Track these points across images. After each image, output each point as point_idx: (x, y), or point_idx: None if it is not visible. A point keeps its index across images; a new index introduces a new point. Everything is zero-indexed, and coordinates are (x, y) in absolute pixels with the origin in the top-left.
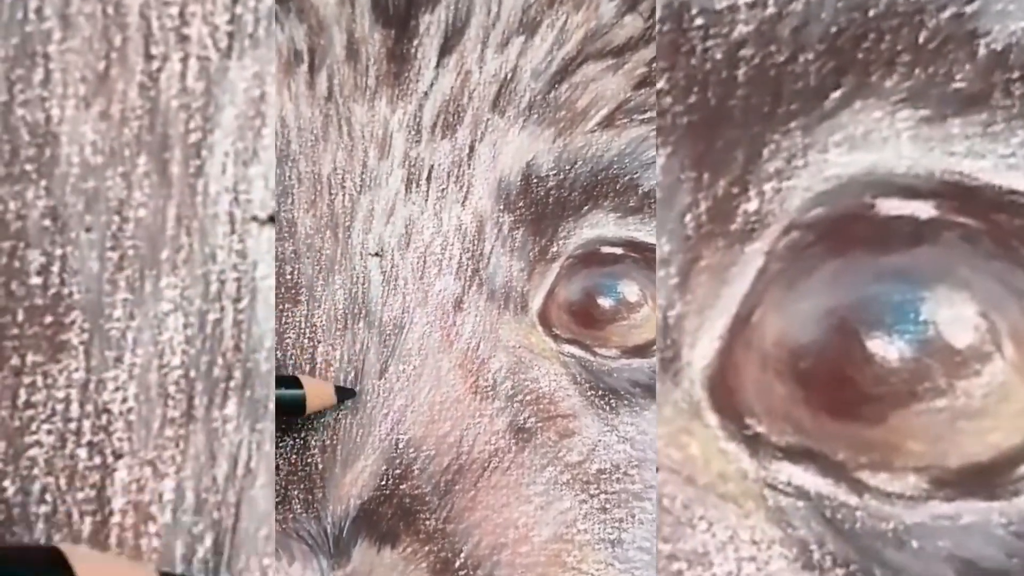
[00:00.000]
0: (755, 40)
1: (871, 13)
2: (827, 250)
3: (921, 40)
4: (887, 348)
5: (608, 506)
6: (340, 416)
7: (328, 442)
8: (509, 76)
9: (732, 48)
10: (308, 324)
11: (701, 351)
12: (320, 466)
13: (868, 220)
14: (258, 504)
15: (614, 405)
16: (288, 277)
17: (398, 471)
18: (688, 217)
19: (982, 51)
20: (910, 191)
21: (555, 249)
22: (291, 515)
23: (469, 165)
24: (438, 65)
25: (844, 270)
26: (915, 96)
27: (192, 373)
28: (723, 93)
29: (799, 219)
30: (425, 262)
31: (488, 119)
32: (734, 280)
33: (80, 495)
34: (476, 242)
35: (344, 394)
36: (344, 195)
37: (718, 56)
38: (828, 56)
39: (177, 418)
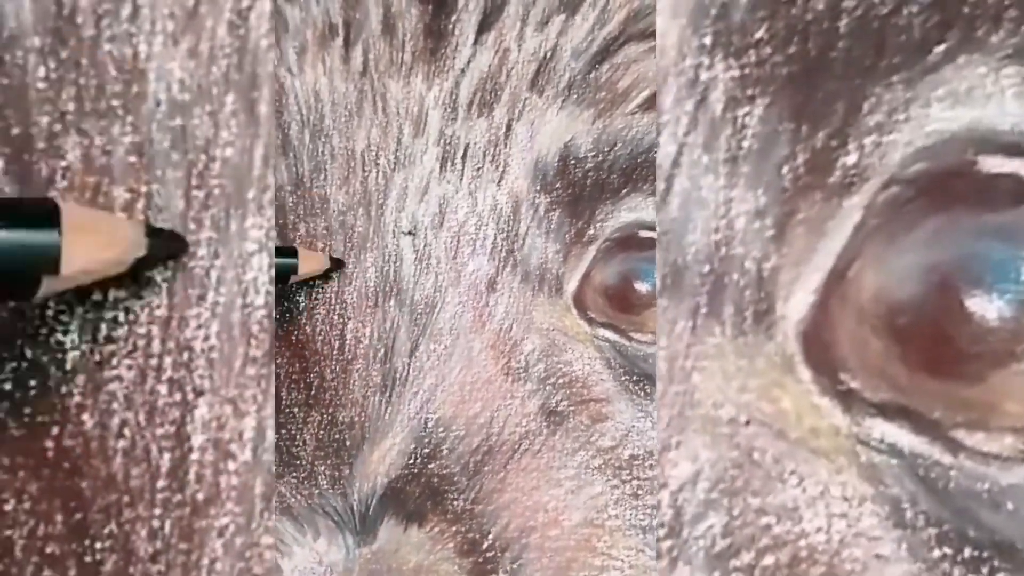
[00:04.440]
0: None
1: None
2: (927, 206)
3: None
4: (987, 307)
5: (640, 492)
6: (368, 393)
7: (356, 418)
8: (549, 55)
9: None
10: (338, 300)
11: (796, 305)
12: (347, 442)
13: (970, 177)
14: None
15: (649, 391)
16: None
17: (427, 450)
18: (785, 169)
19: None
20: (1014, 149)
21: (592, 232)
22: (317, 491)
23: (506, 144)
24: (476, 42)
25: (944, 227)
26: (1021, 52)
27: (275, 314)
28: (824, 44)
29: (899, 174)
30: (459, 242)
31: (526, 98)
32: (831, 234)
33: (159, 431)
34: (511, 223)
35: (336, 264)
36: (378, 172)
37: (820, 6)
38: (933, 9)
39: (259, 357)
